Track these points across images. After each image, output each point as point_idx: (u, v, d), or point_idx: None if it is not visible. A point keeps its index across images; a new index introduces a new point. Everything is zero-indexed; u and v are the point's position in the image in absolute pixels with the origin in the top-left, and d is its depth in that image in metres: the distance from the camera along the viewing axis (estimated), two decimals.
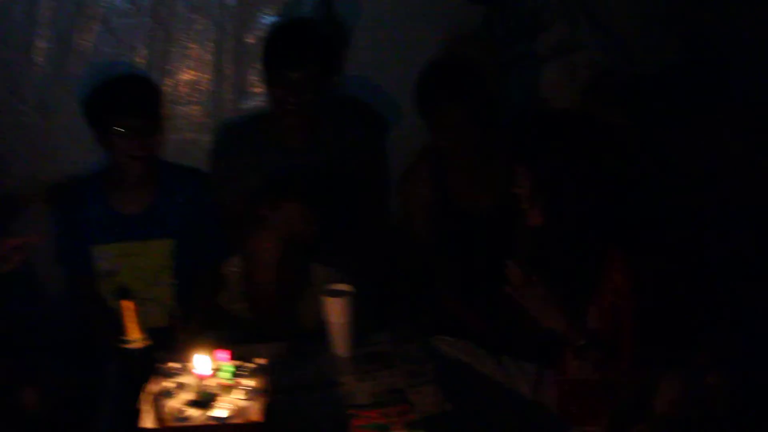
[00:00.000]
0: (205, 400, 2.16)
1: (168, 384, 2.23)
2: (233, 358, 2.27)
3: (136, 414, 2.15)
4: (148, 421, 2.13)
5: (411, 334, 2.74)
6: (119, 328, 2.39)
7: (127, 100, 2.95)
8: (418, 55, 3.22)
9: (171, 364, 2.30)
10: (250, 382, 2.21)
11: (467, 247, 3.03)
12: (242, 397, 2.17)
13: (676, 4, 3.22)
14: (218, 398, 2.17)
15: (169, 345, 2.80)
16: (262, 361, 2.30)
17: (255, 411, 2.13)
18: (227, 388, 2.20)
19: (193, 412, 2.13)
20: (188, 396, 2.19)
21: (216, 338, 2.82)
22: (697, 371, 2.17)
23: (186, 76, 3.23)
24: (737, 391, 2.15)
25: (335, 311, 2.62)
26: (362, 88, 3.30)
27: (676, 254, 2.39)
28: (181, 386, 2.22)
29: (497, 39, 3.23)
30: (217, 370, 2.24)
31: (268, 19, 3.18)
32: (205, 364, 2.21)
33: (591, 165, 2.30)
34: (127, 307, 2.36)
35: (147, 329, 2.43)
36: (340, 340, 2.64)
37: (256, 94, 3.25)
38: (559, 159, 2.31)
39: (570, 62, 3.26)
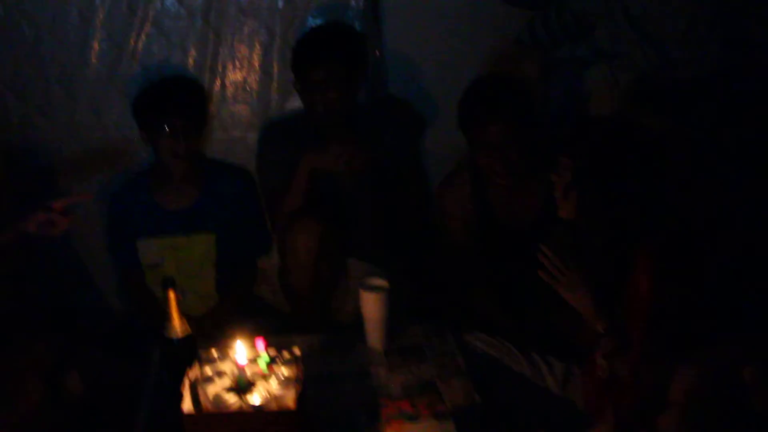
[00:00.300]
0: (242, 387, 2.23)
1: (208, 371, 2.31)
2: (269, 347, 2.35)
3: (177, 399, 2.24)
4: (188, 406, 2.22)
5: (443, 329, 2.80)
6: (163, 317, 2.49)
7: (171, 101, 3.05)
8: (460, 57, 3.32)
9: (211, 352, 2.39)
10: (285, 371, 2.29)
11: (503, 254, 3.05)
12: (277, 385, 2.24)
13: (719, 8, 3.19)
14: (254, 386, 2.24)
15: (209, 334, 2.93)
16: (296, 351, 2.37)
17: (289, 399, 2.20)
18: (263, 377, 2.27)
19: (231, 399, 2.20)
20: (226, 383, 2.27)
21: (253, 328, 2.93)
22: (731, 366, 2.20)
23: (234, 76, 3.31)
24: None
25: (371, 305, 2.69)
26: (403, 87, 3.36)
27: (703, 258, 2.42)
28: (219, 373, 2.30)
29: (540, 44, 3.24)
30: (254, 358, 2.32)
31: (313, 21, 3.25)
32: (243, 352, 2.29)
33: (630, 166, 2.34)
34: (172, 297, 2.45)
35: (189, 316, 2.53)
36: (374, 333, 2.71)
37: None
38: (600, 155, 2.35)
39: (612, 67, 3.27)
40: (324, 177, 3.08)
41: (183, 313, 2.51)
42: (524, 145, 2.84)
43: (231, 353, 2.33)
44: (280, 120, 3.33)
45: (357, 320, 2.77)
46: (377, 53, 3.31)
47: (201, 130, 3.14)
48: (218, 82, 3.31)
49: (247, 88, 3.33)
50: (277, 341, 2.42)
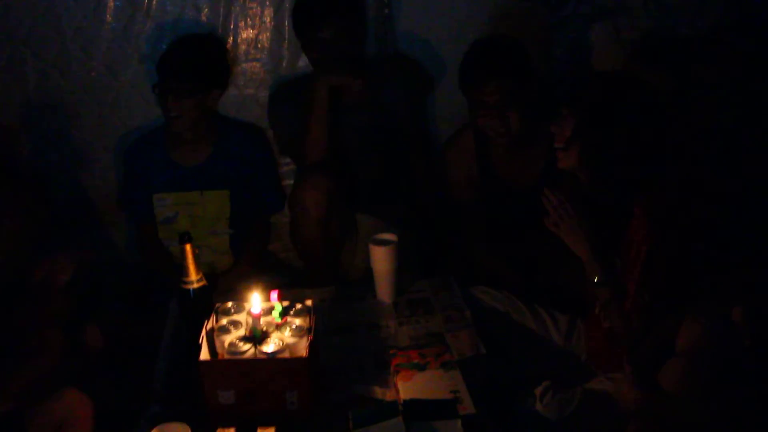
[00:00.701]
0: (256, 336, 2.31)
1: (223, 321, 2.39)
2: (282, 299, 2.43)
3: (194, 349, 2.31)
4: (205, 354, 2.31)
5: (450, 283, 2.87)
6: (179, 270, 2.55)
7: (170, 62, 3.09)
8: (467, 15, 3.34)
9: (227, 305, 2.46)
10: (297, 321, 2.36)
11: (506, 212, 3.10)
12: (290, 334, 2.31)
13: None
14: (268, 335, 2.32)
15: (224, 289, 3.00)
16: (308, 302, 2.44)
17: (301, 347, 2.28)
18: (277, 326, 2.35)
19: (245, 347, 2.28)
20: (241, 332, 2.34)
21: (267, 282, 3.00)
22: (720, 308, 2.28)
23: (246, 34, 3.33)
24: (762, 325, 2.24)
25: (380, 259, 2.75)
26: (411, 44, 3.39)
27: (701, 211, 2.48)
28: (235, 323, 2.38)
29: (546, 1, 3.28)
30: (268, 309, 2.39)
31: None
32: (257, 303, 2.35)
33: (631, 119, 2.39)
34: (189, 250, 2.51)
35: (206, 275, 2.58)
36: (383, 287, 2.78)
37: None
38: (602, 107, 2.41)
39: (616, 24, 3.30)
40: (335, 124, 3.13)
41: (201, 268, 2.56)
42: (522, 106, 2.89)
43: (246, 305, 2.40)
44: (289, 79, 3.36)
45: (367, 275, 2.84)
46: (386, 11, 3.33)
47: (198, 92, 3.14)
48: (230, 40, 3.33)
49: (259, 46, 3.36)
50: (289, 295, 2.49)
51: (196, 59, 3.15)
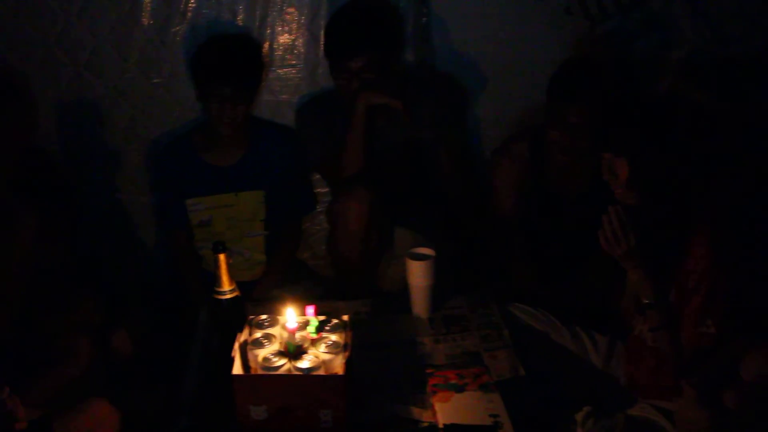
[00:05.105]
0: (291, 352, 2.26)
1: (257, 334, 2.34)
2: (318, 313, 2.38)
3: (225, 361, 2.27)
4: (237, 368, 2.26)
5: (488, 300, 2.81)
6: (212, 279, 2.50)
7: (226, 66, 3.05)
8: (507, 25, 3.28)
9: (261, 317, 2.41)
10: (334, 337, 2.31)
11: (552, 225, 3.06)
12: (325, 350, 2.27)
13: None
14: (303, 350, 2.27)
15: (256, 297, 2.96)
16: (345, 317, 2.39)
17: (337, 364, 2.23)
18: (312, 342, 2.30)
19: (280, 362, 2.23)
20: (275, 347, 2.30)
21: (301, 293, 2.96)
22: None
23: (282, 39, 3.29)
24: None
25: (417, 274, 2.70)
26: (448, 54, 3.33)
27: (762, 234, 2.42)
28: (269, 337, 2.33)
29: (589, 14, 3.21)
30: (303, 324, 2.35)
31: None
32: (293, 317, 2.31)
33: (685, 150, 2.35)
34: (222, 259, 2.46)
35: (238, 282, 2.54)
36: (420, 302, 2.73)
37: None
38: (656, 150, 2.36)
39: (661, 40, 3.24)
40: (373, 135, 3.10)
41: (234, 277, 2.51)
42: (596, 127, 2.83)
43: (280, 318, 2.36)
44: (314, 96, 3.33)
45: (402, 287, 2.79)
46: (423, 19, 3.28)
47: (252, 97, 3.15)
48: (266, 45, 3.29)
49: (295, 52, 3.31)
50: (324, 308, 2.44)
51: (249, 64, 3.13)
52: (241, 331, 2.36)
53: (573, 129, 2.84)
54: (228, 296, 2.49)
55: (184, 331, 2.78)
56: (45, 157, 3.13)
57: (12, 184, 2.92)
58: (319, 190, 3.44)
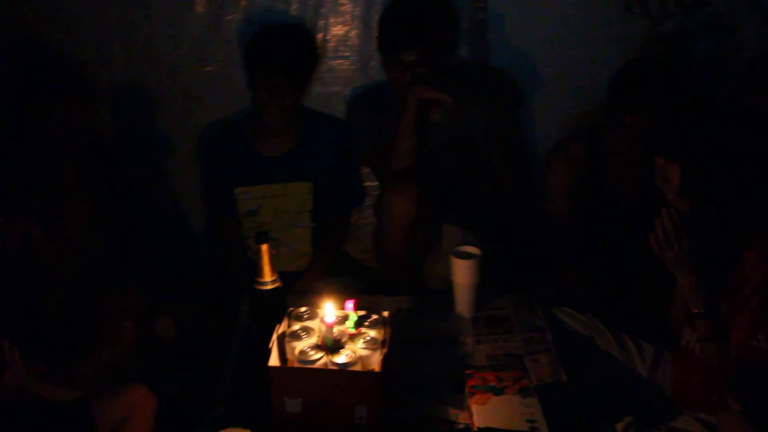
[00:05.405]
0: (328, 346, 2.24)
1: (296, 327, 2.33)
2: (358, 308, 2.35)
3: (263, 351, 2.26)
4: (274, 360, 2.24)
5: (533, 302, 2.76)
6: (254, 269, 2.49)
7: (273, 57, 3.02)
8: (565, 22, 3.22)
9: (300, 310, 2.40)
10: (372, 333, 2.29)
11: (604, 228, 3.00)
12: (363, 346, 2.24)
13: None
14: (341, 345, 2.25)
15: (300, 289, 2.94)
16: (385, 313, 2.37)
17: (374, 361, 2.21)
18: (350, 337, 2.28)
19: (316, 356, 2.22)
20: (313, 340, 2.28)
21: (343, 286, 2.94)
22: None
23: (336, 30, 3.27)
24: None
25: (461, 272, 2.67)
26: (504, 51, 3.29)
27: None
28: (307, 330, 2.31)
29: (649, 13, 3.14)
30: (342, 318, 2.33)
31: None
32: (331, 311, 2.29)
33: (743, 157, 2.28)
34: (265, 250, 2.45)
35: (283, 273, 2.53)
36: (463, 301, 2.70)
37: None
38: (711, 156, 2.30)
39: (723, 43, 3.15)
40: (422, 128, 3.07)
41: (277, 269, 2.50)
42: (653, 131, 2.76)
43: (320, 311, 2.34)
44: (366, 89, 3.30)
45: (446, 285, 2.75)
46: (480, 15, 3.23)
47: (302, 88, 3.13)
48: (320, 36, 3.27)
49: (348, 43, 3.29)
50: (366, 302, 2.43)
51: (301, 54, 3.11)
52: (280, 322, 2.35)
53: (631, 132, 2.78)
54: (269, 287, 2.48)
55: (227, 319, 2.77)
56: (104, 147, 3.16)
57: (72, 172, 2.97)
58: (368, 183, 3.42)
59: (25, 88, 2.98)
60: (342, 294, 2.42)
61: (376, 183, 3.37)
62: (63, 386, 2.46)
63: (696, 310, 2.34)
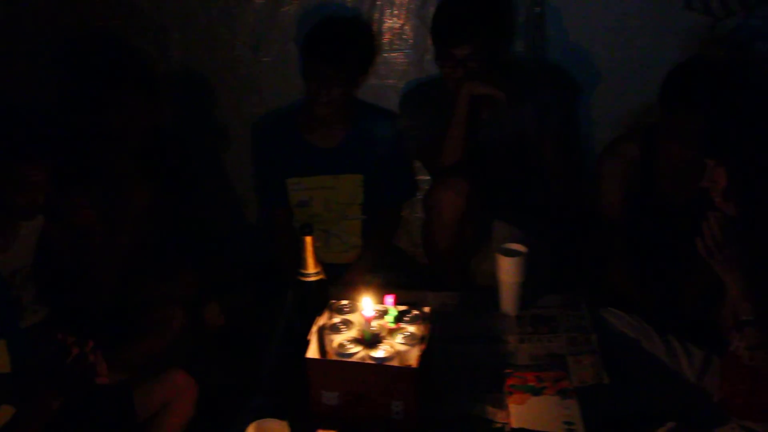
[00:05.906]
0: (366, 340, 2.24)
1: (336, 320, 2.33)
2: (399, 303, 2.34)
3: (304, 344, 2.26)
4: (313, 352, 2.25)
5: (579, 302, 2.71)
6: (300, 261, 2.50)
7: (326, 48, 3.04)
8: (625, 19, 3.17)
9: (342, 302, 2.40)
10: (411, 328, 2.27)
11: (656, 230, 2.95)
12: (402, 341, 2.23)
13: None
14: (380, 340, 2.24)
15: (347, 281, 2.94)
16: (426, 309, 2.35)
17: (412, 356, 2.19)
18: (390, 332, 2.27)
19: (354, 349, 2.21)
20: (352, 334, 2.28)
21: (387, 279, 2.93)
22: None
23: (391, 23, 3.26)
24: None
25: (507, 270, 2.63)
26: (561, 47, 3.25)
27: None
28: (347, 323, 2.31)
29: (710, 10, 3.07)
30: (382, 312, 2.32)
31: None
32: (370, 306, 2.28)
33: None
34: (309, 242, 2.45)
35: (332, 264, 2.53)
36: (508, 299, 2.66)
37: None
38: (759, 160, 2.26)
39: None
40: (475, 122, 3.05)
41: (325, 262, 2.51)
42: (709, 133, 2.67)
43: (360, 305, 2.33)
44: (420, 83, 3.29)
45: (493, 282, 2.71)
46: (537, 9, 3.20)
47: (354, 80, 3.13)
48: (374, 29, 3.26)
49: (404, 37, 3.28)
50: (410, 296, 2.42)
51: (353, 47, 3.12)
52: (321, 314, 2.35)
53: (685, 133, 2.71)
54: (312, 278, 2.48)
55: (274, 310, 2.78)
56: (167, 136, 3.21)
57: (134, 161, 3.02)
58: (420, 177, 3.41)
59: (90, 77, 3.03)
60: (387, 288, 2.41)
61: (428, 177, 3.35)
62: (111, 371, 2.50)
63: (745, 318, 2.27)
